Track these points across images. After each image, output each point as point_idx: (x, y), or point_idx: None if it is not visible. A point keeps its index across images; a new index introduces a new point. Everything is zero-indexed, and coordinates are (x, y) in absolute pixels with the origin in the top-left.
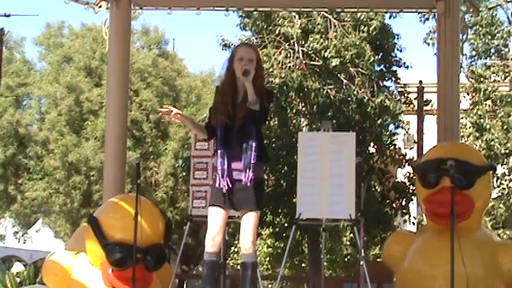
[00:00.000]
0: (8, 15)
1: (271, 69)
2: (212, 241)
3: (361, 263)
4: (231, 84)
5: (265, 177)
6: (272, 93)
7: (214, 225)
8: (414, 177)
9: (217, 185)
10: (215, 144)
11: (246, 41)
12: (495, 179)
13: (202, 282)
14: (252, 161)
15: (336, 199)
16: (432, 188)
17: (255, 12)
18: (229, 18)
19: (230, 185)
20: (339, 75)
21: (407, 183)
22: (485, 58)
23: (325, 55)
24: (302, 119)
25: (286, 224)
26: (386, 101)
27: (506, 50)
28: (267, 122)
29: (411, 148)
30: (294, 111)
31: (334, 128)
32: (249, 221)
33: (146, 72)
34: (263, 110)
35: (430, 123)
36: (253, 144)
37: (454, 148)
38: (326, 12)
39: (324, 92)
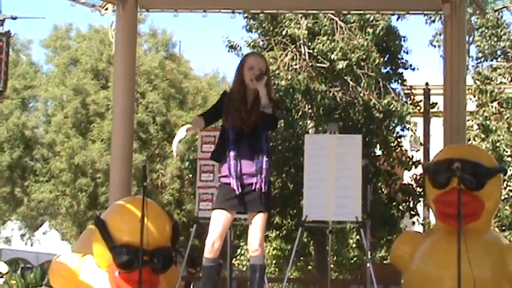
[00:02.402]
0: (15, 18)
1: (277, 71)
2: (211, 247)
3: (368, 265)
4: (240, 92)
5: (272, 179)
6: (278, 102)
7: (215, 231)
8: (421, 179)
9: (232, 187)
10: (227, 147)
11: (255, 50)
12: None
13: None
14: (264, 166)
15: (343, 201)
16: (442, 188)
17: (261, 14)
18: (236, 20)
19: (241, 189)
20: (345, 77)
21: (414, 185)
22: (492, 60)
23: (332, 57)
24: (308, 121)
25: (293, 226)
26: (393, 102)
27: None
28: None
29: (418, 150)
30: (300, 113)
31: (341, 130)
32: (257, 223)
33: (153, 75)
34: (275, 114)
35: (437, 125)
36: (265, 149)
37: (464, 149)
38: (332, 14)
39: (331, 94)
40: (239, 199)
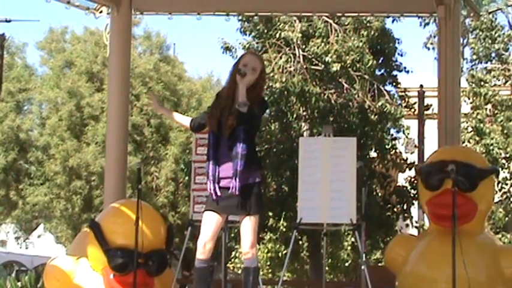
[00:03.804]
0: (9, 21)
1: (272, 74)
2: (203, 248)
3: (363, 267)
4: (230, 89)
5: (267, 181)
6: (266, 101)
7: (207, 232)
8: (416, 181)
9: (208, 190)
10: (207, 150)
11: (254, 50)
12: (496, 183)
13: None
14: (239, 169)
15: (337, 204)
16: (435, 190)
17: (255, 17)
18: (230, 23)
19: (219, 193)
20: (339, 79)
21: (409, 188)
22: (486, 62)
23: (326, 59)
24: (303, 124)
25: (287, 229)
26: (387, 105)
27: (507, 54)
28: (268, 127)
29: (412, 152)
30: (295, 115)
31: (335, 132)
32: (246, 226)
33: (147, 77)
34: (252, 114)
35: (431, 128)
36: (240, 152)
37: (457, 151)
38: (327, 16)
39: (325, 96)
40: (225, 202)
